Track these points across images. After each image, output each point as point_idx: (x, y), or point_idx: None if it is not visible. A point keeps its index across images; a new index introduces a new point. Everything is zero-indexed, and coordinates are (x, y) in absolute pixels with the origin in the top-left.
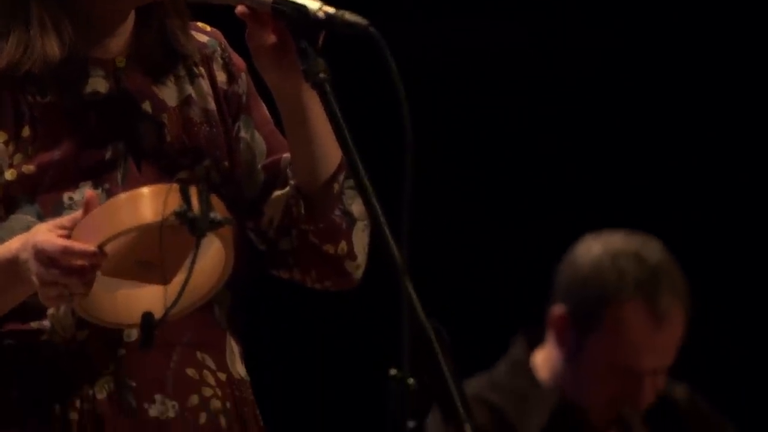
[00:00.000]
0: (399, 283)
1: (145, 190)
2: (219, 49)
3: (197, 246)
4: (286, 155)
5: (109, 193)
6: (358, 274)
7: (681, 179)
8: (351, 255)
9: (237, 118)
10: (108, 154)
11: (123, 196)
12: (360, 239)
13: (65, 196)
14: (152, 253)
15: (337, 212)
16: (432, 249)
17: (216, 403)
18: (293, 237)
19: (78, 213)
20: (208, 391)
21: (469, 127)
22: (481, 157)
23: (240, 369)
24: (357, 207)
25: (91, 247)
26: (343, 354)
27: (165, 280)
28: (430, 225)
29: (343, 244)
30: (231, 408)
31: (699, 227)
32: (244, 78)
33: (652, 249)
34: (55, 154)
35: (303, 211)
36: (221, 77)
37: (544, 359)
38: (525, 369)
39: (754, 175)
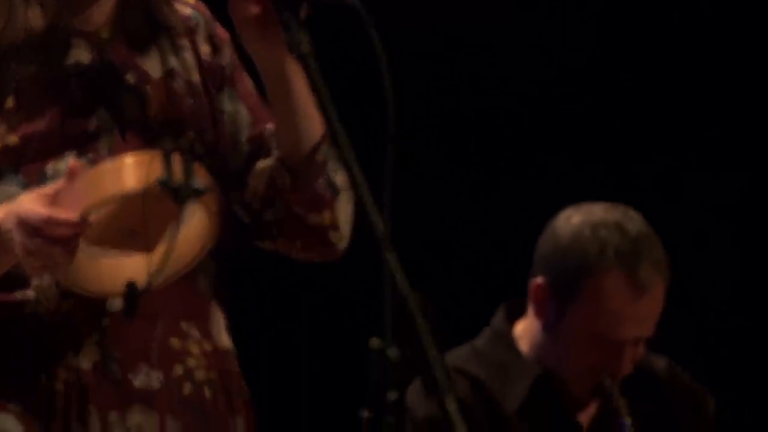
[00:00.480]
0: (382, 253)
1: (129, 158)
2: (202, 21)
3: (180, 214)
4: (270, 126)
5: (94, 164)
6: (342, 244)
7: (663, 147)
8: (335, 225)
9: (221, 90)
10: (92, 125)
11: (106, 164)
12: (344, 210)
13: (49, 167)
14: (136, 222)
15: (321, 183)
16: (415, 220)
17: (201, 374)
18: (277, 208)
19: (61, 182)
20: (192, 362)
21: (453, 98)
22: (465, 128)
23: (225, 340)
24: (341, 178)
25: (74, 216)
26: (326, 325)
27: (149, 249)
28: (413, 196)
29: (327, 215)
30: (216, 379)
31: (677, 209)
32: (227, 50)
33: (632, 220)
34: (39, 125)
35: (287, 182)
36: (205, 49)
37: (525, 330)
38: (506, 340)
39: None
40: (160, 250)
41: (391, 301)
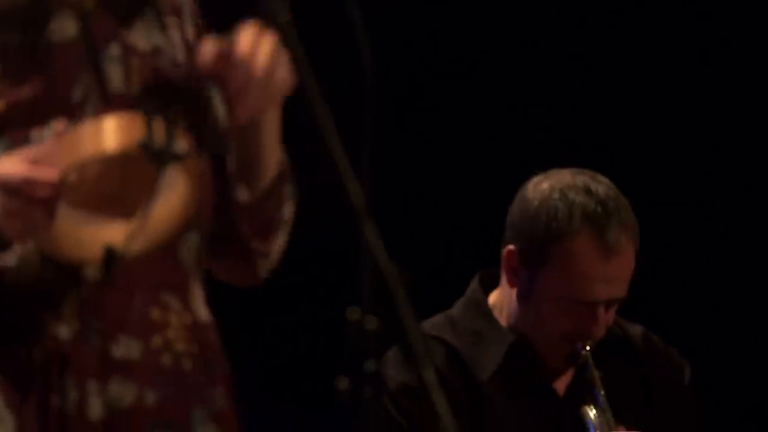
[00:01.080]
0: (359, 224)
1: (110, 120)
2: (188, 3)
3: (160, 177)
4: None
5: None
6: (265, 274)
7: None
8: (269, 255)
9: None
10: (77, 95)
11: (87, 125)
12: (280, 241)
13: (34, 133)
14: (117, 186)
15: (276, 211)
16: (393, 191)
17: (180, 346)
18: (222, 221)
19: (43, 144)
20: (172, 333)
21: (431, 68)
22: (443, 99)
23: (204, 312)
24: (289, 209)
25: (53, 176)
26: (304, 295)
27: (129, 214)
28: (391, 167)
29: (268, 243)
30: (196, 351)
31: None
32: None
33: (600, 183)
34: (24, 92)
35: (246, 200)
36: (191, 31)
37: (499, 299)
38: (480, 309)
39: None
40: (139, 215)
41: (369, 271)
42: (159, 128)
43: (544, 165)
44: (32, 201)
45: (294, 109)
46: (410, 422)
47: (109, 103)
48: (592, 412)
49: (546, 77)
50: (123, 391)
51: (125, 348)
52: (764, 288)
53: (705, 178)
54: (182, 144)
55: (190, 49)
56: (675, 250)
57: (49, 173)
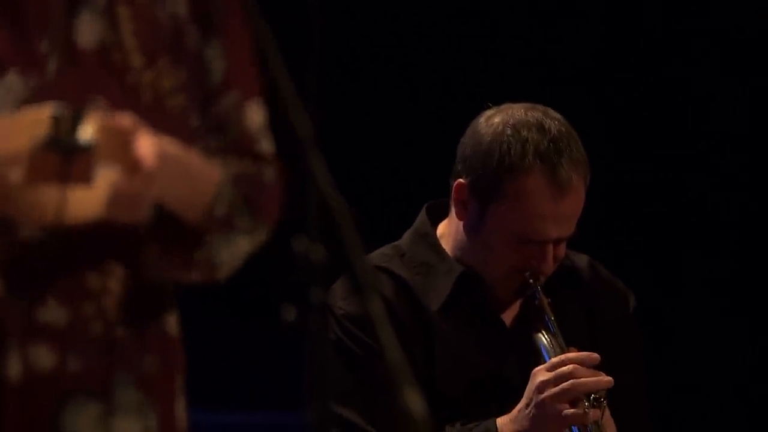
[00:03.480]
0: (306, 154)
1: (21, 116)
2: None
3: (69, 169)
4: (234, 99)
5: (33, 88)
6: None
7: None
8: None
9: (207, 38)
10: (43, 47)
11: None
12: (231, 251)
13: None
14: (41, 177)
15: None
16: (340, 122)
17: (114, 314)
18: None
19: None
20: (108, 300)
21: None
22: (393, 27)
23: (154, 277)
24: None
25: None
26: None
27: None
28: (339, 98)
29: (195, 274)
30: (131, 318)
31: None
32: None
33: (553, 119)
34: None
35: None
36: None
37: (447, 232)
38: (428, 240)
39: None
40: (85, 193)
41: (315, 203)
42: (65, 121)
43: (495, 96)
44: None
45: None
46: (362, 349)
47: (74, 58)
48: (544, 338)
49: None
50: (43, 356)
51: (52, 313)
52: (708, 216)
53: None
54: (88, 134)
55: (192, 4)
56: (621, 181)
57: None
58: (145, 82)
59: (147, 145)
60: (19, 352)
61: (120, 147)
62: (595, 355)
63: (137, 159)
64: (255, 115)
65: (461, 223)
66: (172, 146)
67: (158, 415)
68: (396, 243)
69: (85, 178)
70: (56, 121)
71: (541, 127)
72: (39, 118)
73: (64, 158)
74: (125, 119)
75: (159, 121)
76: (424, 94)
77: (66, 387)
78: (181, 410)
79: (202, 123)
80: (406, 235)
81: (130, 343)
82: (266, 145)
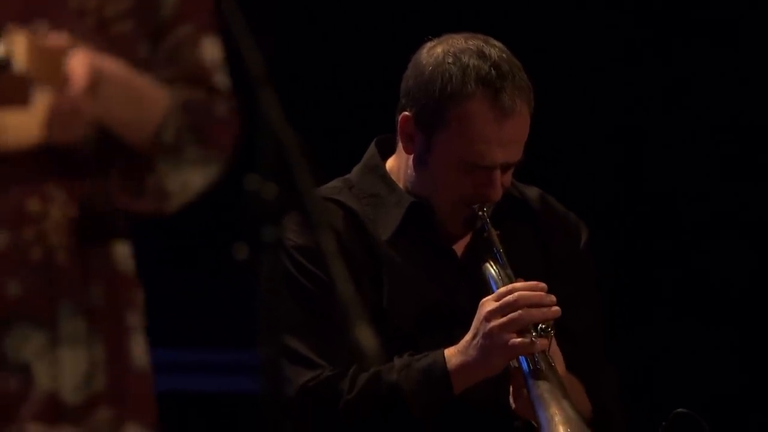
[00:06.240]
0: (257, 90)
1: None
2: None
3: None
4: (186, 32)
5: None
6: (169, 208)
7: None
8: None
9: None
10: None
11: None
12: (182, 179)
13: None
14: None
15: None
16: (292, 57)
17: (55, 239)
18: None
19: None
20: (49, 225)
21: None
22: None
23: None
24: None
25: None
26: None
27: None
28: (291, 35)
29: (145, 203)
30: (75, 245)
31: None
32: None
33: (493, 46)
34: None
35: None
36: None
37: (395, 165)
38: (378, 172)
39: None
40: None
41: (266, 139)
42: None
43: (438, 31)
44: None
45: None
46: (313, 282)
47: None
48: (492, 268)
49: None
50: None
51: None
52: (666, 154)
53: None
54: (16, 57)
55: None
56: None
57: None
58: (89, 6)
59: (80, 62)
60: None
61: (53, 66)
62: (542, 284)
63: (68, 75)
64: (210, 49)
65: (410, 157)
66: (114, 65)
67: (107, 348)
68: (345, 176)
69: (21, 100)
70: None
71: (481, 54)
72: None
73: None
74: (58, 38)
75: (104, 46)
76: (376, 30)
77: (7, 312)
78: (137, 349)
79: (152, 54)
80: (356, 169)
81: (73, 271)
82: (221, 79)
